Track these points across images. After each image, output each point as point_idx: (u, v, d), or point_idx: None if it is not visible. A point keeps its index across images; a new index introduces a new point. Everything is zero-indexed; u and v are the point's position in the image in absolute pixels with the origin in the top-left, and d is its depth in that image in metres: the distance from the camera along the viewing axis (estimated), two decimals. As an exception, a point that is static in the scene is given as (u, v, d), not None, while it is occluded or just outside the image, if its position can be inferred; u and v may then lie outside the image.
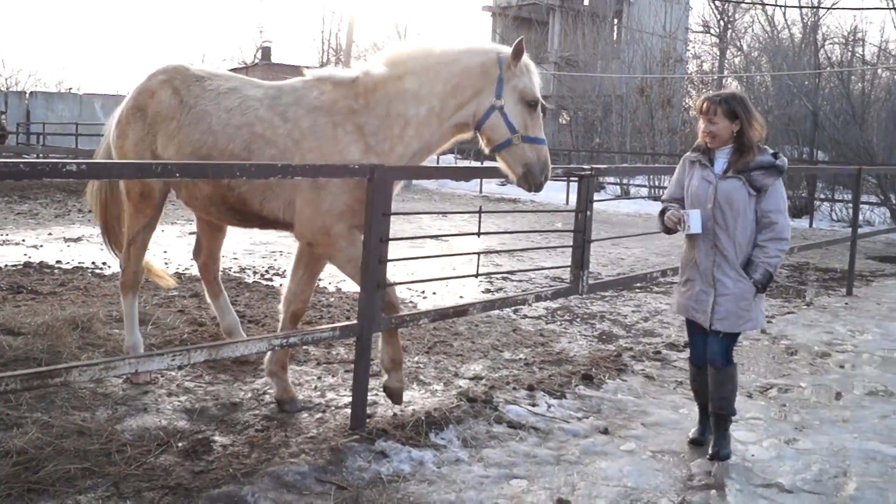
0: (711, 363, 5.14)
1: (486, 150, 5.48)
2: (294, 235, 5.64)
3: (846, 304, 10.36)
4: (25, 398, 5.35)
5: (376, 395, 5.92)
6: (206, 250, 6.85)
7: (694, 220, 5.02)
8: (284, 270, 11.09)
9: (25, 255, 11.62)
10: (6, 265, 10.65)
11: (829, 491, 4.78)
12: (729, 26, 37.97)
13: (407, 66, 5.43)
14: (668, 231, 5.23)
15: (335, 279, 10.50)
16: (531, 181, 5.32)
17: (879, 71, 28.65)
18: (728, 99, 5.02)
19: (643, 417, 5.85)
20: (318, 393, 5.99)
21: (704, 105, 5.07)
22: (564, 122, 40.20)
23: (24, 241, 13.15)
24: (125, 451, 4.77)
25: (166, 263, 11.38)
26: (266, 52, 48.64)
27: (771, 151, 5.07)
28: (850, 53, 30.07)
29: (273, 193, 5.47)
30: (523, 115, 5.33)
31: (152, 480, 4.44)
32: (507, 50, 5.39)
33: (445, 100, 5.38)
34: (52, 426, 4.97)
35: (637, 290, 10.69)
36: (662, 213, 5.27)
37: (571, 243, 6.72)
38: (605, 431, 5.53)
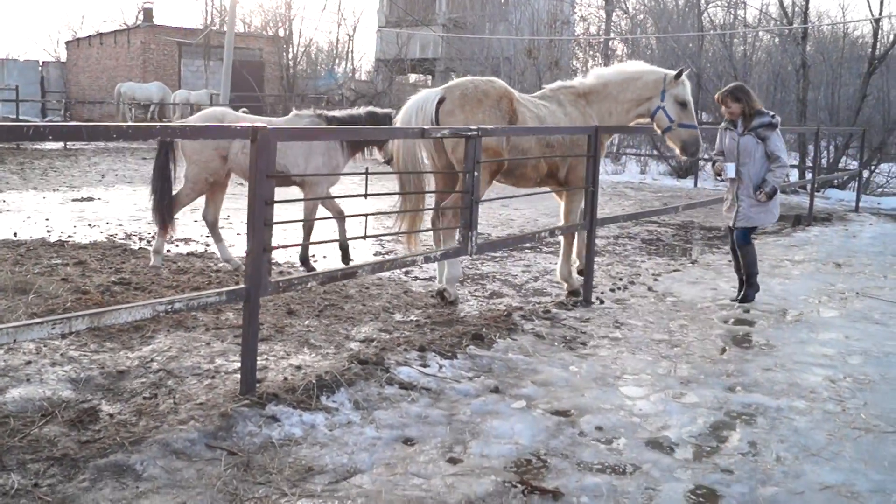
0: (738, 244, 8.30)
1: (659, 133, 8.39)
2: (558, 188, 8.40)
3: (729, 261, 10.70)
4: None
5: (266, 359, 5.88)
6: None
7: (729, 170, 8.14)
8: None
9: None
10: None
11: (713, 443, 4.97)
12: (615, -11, 38.52)
13: (608, 79, 8.34)
14: (717, 175, 8.45)
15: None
16: (687, 152, 8.36)
17: (760, 34, 29.61)
18: (732, 91, 8.14)
19: (533, 376, 5.97)
20: (208, 359, 5.90)
21: (720, 98, 8.17)
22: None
23: None
24: (8, 422, 4.63)
25: (48, 231, 11.01)
26: (148, 13, 46.96)
27: (770, 114, 8.07)
28: (732, 17, 30.97)
29: (566, 162, 8.12)
30: (678, 111, 8.15)
31: (37, 452, 4.32)
32: (671, 72, 8.21)
33: (631, 102, 8.28)
34: (-75, 401, 4.78)
35: (526, 251, 10.86)
36: (713, 164, 8.52)
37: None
38: (496, 390, 5.62)
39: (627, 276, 9.49)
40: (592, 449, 4.80)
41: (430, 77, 42.74)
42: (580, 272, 8.58)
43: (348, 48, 48.15)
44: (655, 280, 9.36)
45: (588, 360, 6.37)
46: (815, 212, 15.77)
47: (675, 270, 10.01)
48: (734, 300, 8.36)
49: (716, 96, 8.32)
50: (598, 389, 5.76)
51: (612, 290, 8.73)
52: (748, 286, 8.34)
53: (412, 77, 45.37)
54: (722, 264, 10.47)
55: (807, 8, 25.02)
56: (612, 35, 35.16)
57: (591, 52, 35.48)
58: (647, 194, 19.60)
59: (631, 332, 7.17)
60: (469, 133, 6.57)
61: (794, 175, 22.38)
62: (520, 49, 31.91)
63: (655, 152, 25.51)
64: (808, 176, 18.74)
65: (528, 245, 10.97)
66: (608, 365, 6.29)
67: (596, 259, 8.90)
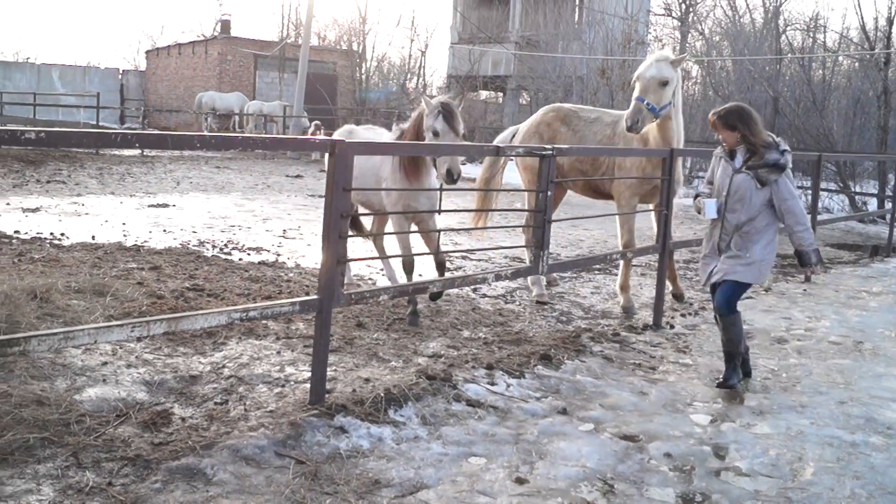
0: (717, 310, 6.35)
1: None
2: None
3: (804, 290, 10.52)
4: (-18, 368, 5.30)
5: (335, 370, 5.93)
6: None
7: (709, 209, 6.33)
8: (243, 245, 11.03)
9: (-19, 224, 11.44)
10: (-38, 234, 10.48)
11: (786, 475, 4.85)
12: (690, 10, 38.18)
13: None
14: (698, 212, 6.55)
15: (294, 254, 10.47)
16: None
17: (840, 58, 29.03)
18: (725, 116, 6.21)
19: (602, 399, 5.91)
20: (278, 368, 5.97)
21: (711, 121, 6.34)
22: (525, 102, 40.21)
23: (-21, 210, 12.94)
24: (84, 421, 4.74)
25: (125, 235, 11.27)
26: (225, 25, 48.01)
27: (782, 148, 6.16)
28: (811, 40, 30.43)
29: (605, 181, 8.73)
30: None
31: (112, 451, 4.42)
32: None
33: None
34: (10, 395, 4.91)
35: (596, 272, 10.78)
36: (695, 197, 6.65)
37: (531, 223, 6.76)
38: (564, 412, 5.59)
39: (699, 302, 9.34)
40: (661, 476, 4.73)
41: (501, 94, 42.82)
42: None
43: (420, 64, 48.43)
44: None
45: (657, 386, 6.28)
46: (894, 243, 15.33)
47: (747, 298, 9.79)
48: (718, 383, 6.35)
49: (709, 116, 6.42)
50: (668, 416, 5.68)
51: (683, 316, 8.60)
52: (729, 367, 6.37)
53: (483, 94, 45.52)
54: (797, 293, 10.25)
55: (889, 33, 24.46)
56: (686, 56, 34.82)
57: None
58: (719, 218, 19.25)
59: (702, 359, 7.06)
60: (543, 153, 6.56)
61: (872, 204, 21.84)
62: (593, 68, 31.78)
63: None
64: (888, 206, 18.25)
65: (597, 266, 10.89)
66: (678, 391, 6.20)
67: (667, 283, 8.77)
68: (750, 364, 6.65)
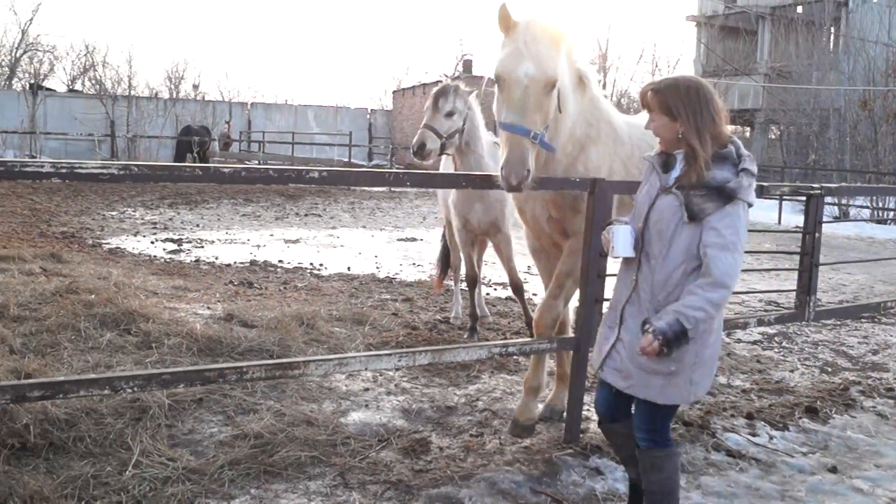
0: (640, 442, 3.88)
1: None
2: None
3: None
4: (260, 386, 5.67)
5: (588, 409, 5.85)
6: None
7: (619, 239, 3.75)
8: (490, 280, 11.19)
9: (251, 253, 12.39)
10: (235, 262, 11.37)
11: None
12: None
13: None
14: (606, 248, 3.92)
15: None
16: None
17: None
18: (663, 89, 3.65)
19: (876, 458, 5.45)
20: (530, 404, 5.97)
21: (641, 94, 3.79)
22: (774, 136, 38.53)
23: (248, 240, 14.01)
24: (349, 443, 4.97)
25: (378, 267, 11.77)
26: (467, 64, 49.48)
27: (742, 166, 3.59)
28: None
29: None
30: None
31: (375, 474, 4.60)
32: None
33: None
34: (283, 414, 5.25)
35: (863, 320, 10.02)
36: (607, 226, 4.02)
37: (789, 266, 6.40)
38: (834, 470, 5.20)
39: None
40: (951, 548, 4.30)
41: (749, 129, 41.32)
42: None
43: (662, 99, 47.45)
44: None
45: (940, 448, 5.73)
46: None
47: None
48: None
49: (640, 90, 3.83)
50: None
51: (968, 371, 7.81)
52: None
53: (730, 128, 44.02)
54: None
55: None
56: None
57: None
58: None
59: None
60: (811, 192, 6.21)
61: None
62: (852, 100, 29.94)
63: None
64: None
65: (864, 315, 10.14)
66: (965, 455, 5.61)
67: None
68: None
